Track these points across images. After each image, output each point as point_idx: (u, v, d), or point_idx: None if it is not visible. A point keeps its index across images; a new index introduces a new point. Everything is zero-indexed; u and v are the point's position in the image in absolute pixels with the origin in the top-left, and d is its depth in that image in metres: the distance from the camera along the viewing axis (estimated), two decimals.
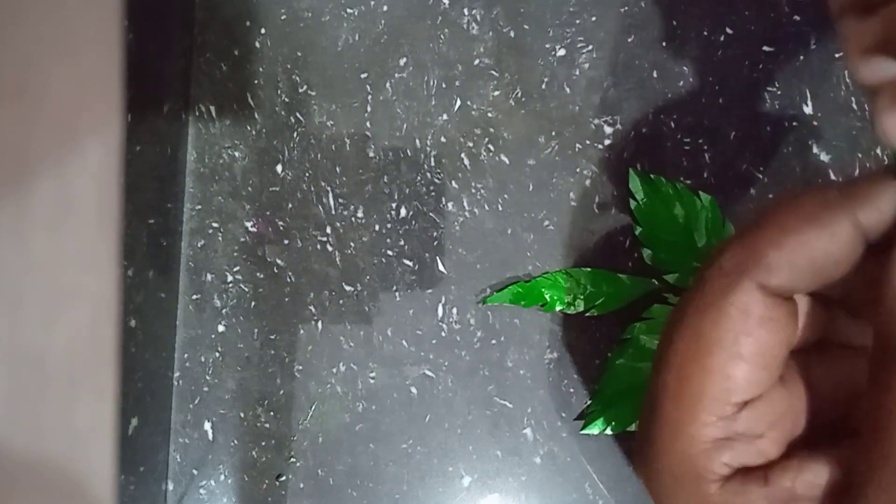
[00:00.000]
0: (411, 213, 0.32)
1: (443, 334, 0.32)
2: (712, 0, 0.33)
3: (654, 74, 0.33)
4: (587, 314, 0.31)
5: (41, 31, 0.16)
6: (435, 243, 0.32)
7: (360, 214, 0.32)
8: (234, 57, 0.33)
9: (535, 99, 0.33)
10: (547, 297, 0.31)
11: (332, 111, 0.33)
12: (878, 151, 0.32)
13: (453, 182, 0.33)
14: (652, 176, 0.32)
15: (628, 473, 0.32)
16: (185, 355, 0.32)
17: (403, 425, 0.32)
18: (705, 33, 0.33)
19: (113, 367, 0.16)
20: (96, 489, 0.16)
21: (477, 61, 0.33)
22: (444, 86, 0.33)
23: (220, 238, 0.33)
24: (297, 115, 0.33)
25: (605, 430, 0.31)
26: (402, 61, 0.33)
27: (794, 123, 0.32)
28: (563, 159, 0.32)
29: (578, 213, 0.32)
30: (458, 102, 0.33)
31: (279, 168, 0.33)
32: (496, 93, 0.33)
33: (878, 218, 0.19)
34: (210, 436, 0.32)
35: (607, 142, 0.32)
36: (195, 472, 0.32)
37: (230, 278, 0.32)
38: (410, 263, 0.32)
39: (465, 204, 0.32)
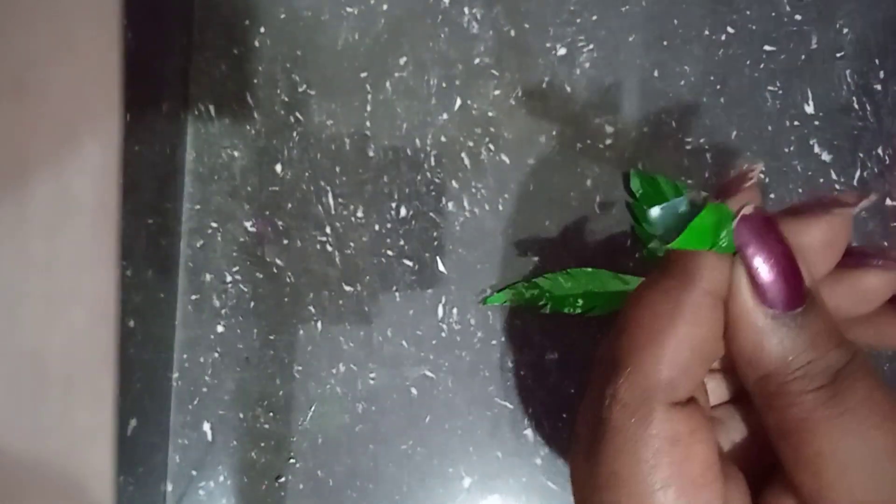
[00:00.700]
0: (411, 213, 0.32)
1: (443, 335, 0.32)
2: (710, 1, 0.33)
3: (655, 74, 0.33)
4: (588, 315, 0.31)
5: (40, 31, 0.16)
6: (435, 243, 0.32)
7: (359, 214, 0.32)
8: (234, 56, 0.33)
9: (535, 98, 0.33)
10: (547, 297, 0.31)
11: (331, 110, 0.33)
12: (880, 151, 0.32)
13: (453, 182, 0.32)
14: (653, 175, 0.32)
15: None
16: (184, 356, 0.32)
17: (403, 426, 0.32)
18: (706, 32, 0.33)
19: (111, 367, 0.16)
20: (95, 490, 0.16)
21: (477, 60, 0.33)
22: (444, 85, 0.33)
23: (219, 238, 0.32)
24: (297, 114, 0.33)
25: None
26: (402, 60, 0.33)
27: (796, 123, 0.32)
28: (563, 159, 0.32)
29: (579, 213, 0.32)
30: (459, 102, 0.33)
31: (278, 168, 0.33)
32: (496, 92, 0.33)
33: (721, 278, 0.19)
34: (209, 436, 0.32)
35: (608, 141, 0.32)
36: (194, 472, 0.32)
37: (229, 278, 0.32)
38: (410, 263, 0.32)
39: (466, 204, 0.32)
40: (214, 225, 0.32)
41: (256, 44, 0.33)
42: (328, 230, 0.32)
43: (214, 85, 0.33)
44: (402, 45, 0.33)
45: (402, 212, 0.32)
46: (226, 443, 0.32)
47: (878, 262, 0.21)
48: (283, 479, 0.32)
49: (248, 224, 0.32)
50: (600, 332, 0.32)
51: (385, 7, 0.33)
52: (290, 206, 0.32)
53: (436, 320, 0.32)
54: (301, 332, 0.32)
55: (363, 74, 0.33)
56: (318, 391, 0.32)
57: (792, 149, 0.32)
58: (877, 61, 0.32)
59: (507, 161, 0.32)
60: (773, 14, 0.33)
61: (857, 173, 0.32)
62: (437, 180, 0.32)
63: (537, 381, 0.32)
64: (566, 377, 0.32)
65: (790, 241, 0.20)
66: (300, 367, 0.32)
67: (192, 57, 0.33)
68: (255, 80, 0.33)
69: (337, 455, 0.32)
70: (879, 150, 0.32)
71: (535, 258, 0.32)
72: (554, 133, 0.32)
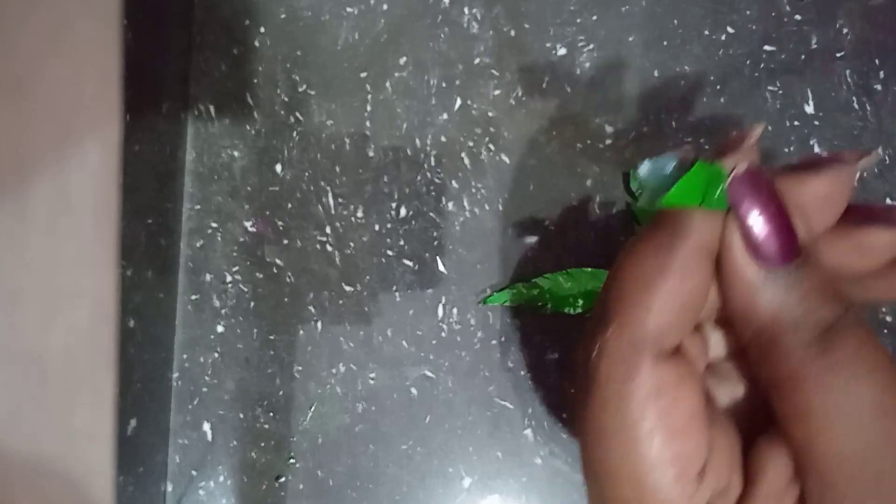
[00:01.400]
0: (411, 213, 0.32)
1: (443, 335, 0.32)
2: (711, 1, 0.33)
3: (655, 74, 0.33)
4: (588, 315, 0.31)
5: (40, 31, 0.16)
6: (435, 243, 0.32)
7: (359, 214, 0.32)
8: (234, 56, 0.33)
9: (535, 98, 0.33)
10: (547, 297, 0.31)
11: (331, 110, 0.33)
12: (880, 151, 0.32)
13: (453, 182, 0.32)
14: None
15: None
16: (184, 356, 0.32)
17: (403, 426, 0.32)
18: (706, 32, 0.33)
19: (111, 367, 0.16)
20: (95, 490, 0.16)
21: (477, 60, 0.33)
22: (444, 85, 0.33)
23: (219, 238, 0.32)
24: (297, 114, 0.33)
25: None
26: (402, 60, 0.33)
27: (796, 123, 0.32)
28: (563, 159, 0.32)
29: (578, 213, 0.32)
30: (459, 102, 0.33)
31: (278, 168, 0.33)
32: (497, 92, 0.33)
33: (711, 232, 0.19)
34: (209, 437, 0.32)
35: (608, 141, 0.32)
36: (194, 472, 0.32)
37: (229, 278, 0.32)
38: (410, 263, 0.32)
39: (466, 204, 0.32)
40: (214, 225, 0.32)
41: (256, 44, 0.33)
42: (328, 230, 0.32)
43: (214, 85, 0.33)
44: (402, 45, 0.33)
45: (402, 212, 0.32)
46: (226, 443, 0.32)
47: (884, 219, 0.21)
48: (283, 479, 0.32)
49: (248, 224, 0.32)
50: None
51: (385, 7, 0.33)
52: (290, 206, 0.32)
53: (436, 320, 0.32)
54: (301, 332, 0.32)
55: (363, 74, 0.33)
56: (318, 391, 0.32)
57: (792, 149, 0.32)
58: (877, 61, 0.32)
59: (507, 161, 0.32)
60: (773, 14, 0.33)
61: (858, 173, 0.32)
62: (437, 180, 0.32)
63: (537, 381, 0.32)
64: (566, 377, 0.32)
65: (788, 194, 0.20)
66: (300, 367, 0.32)
67: (192, 57, 0.33)
68: (255, 80, 0.33)
69: (337, 455, 0.32)
70: (879, 150, 0.32)
71: (536, 258, 0.32)
72: (554, 133, 0.32)
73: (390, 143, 0.33)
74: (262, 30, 0.33)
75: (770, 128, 0.32)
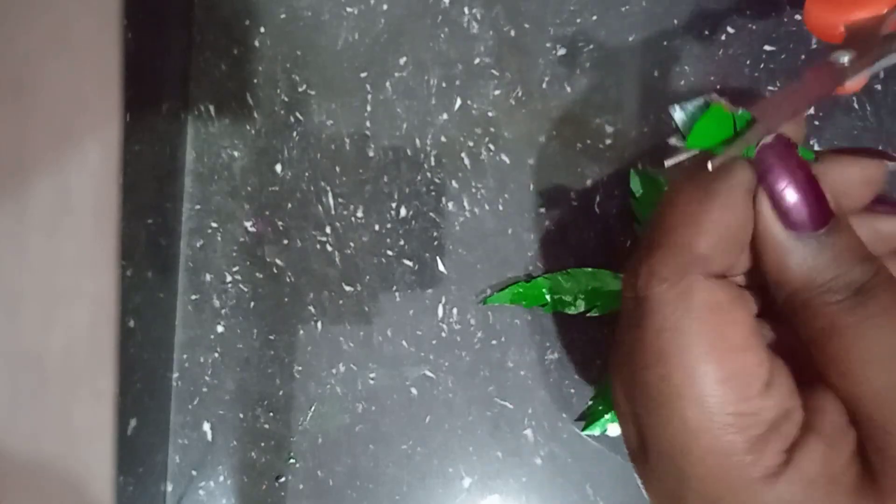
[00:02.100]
0: (411, 213, 0.32)
1: (443, 335, 0.32)
2: (711, 1, 0.33)
3: (655, 74, 0.33)
4: (587, 314, 0.31)
5: (40, 31, 0.16)
6: (435, 243, 0.32)
7: (359, 214, 0.32)
8: (234, 56, 0.33)
9: (535, 98, 0.33)
10: (547, 297, 0.31)
11: (331, 110, 0.33)
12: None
13: (453, 182, 0.32)
14: (653, 175, 0.32)
15: (629, 474, 0.32)
16: (185, 356, 0.32)
17: (403, 426, 0.32)
18: (706, 32, 0.33)
19: (112, 367, 0.16)
20: (95, 490, 0.16)
21: (477, 60, 0.33)
22: (444, 85, 0.33)
23: (219, 238, 0.32)
24: (297, 114, 0.33)
25: (606, 430, 0.31)
26: (402, 61, 0.33)
27: None
28: (563, 159, 0.32)
29: (578, 213, 0.32)
30: (459, 102, 0.33)
31: (278, 168, 0.33)
32: (497, 92, 0.33)
33: (750, 174, 0.20)
34: (209, 436, 0.32)
35: (608, 141, 0.32)
36: (194, 472, 0.32)
37: (229, 278, 0.32)
38: (410, 263, 0.32)
39: (466, 204, 0.32)
40: (214, 225, 0.33)
41: (256, 44, 0.33)
42: (328, 230, 0.32)
43: (214, 85, 0.33)
44: (402, 45, 0.33)
45: (402, 212, 0.32)
46: (226, 443, 0.32)
47: None
48: (283, 479, 0.32)
49: (248, 224, 0.32)
50: (600, 332, 0.32)
51: (385, 7, 0.33)
52: (290, 206, 0.32)
53: (436, 320, 0.32)
54: (301, 332, 0.32)
55: (363, 74, 0.33)
56: (318, 391, 0.32)
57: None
58: None
59: (507, 161, 0.32)
60: (773, 14, 0.33)
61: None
62: (437, 180, 0.32)
63: (537, 381, 0.32)
64: (566, 377, 0.32)
65: (830, 172, 0.20)
66: (300, 367, 0.32)
67: (192, 57, 0.33)
68: (255, 81, 0.33)
69: (337, 455, 0.32)
70: (880, 149, 0.32)
71: (536, 258, 0.32)
72: (554, 133, 0.32)
73: (390, 143, 0.33)
74: (263, 30, 0.33)
75: None
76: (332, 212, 0.32)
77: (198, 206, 0.33)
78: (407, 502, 0.32)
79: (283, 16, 0.33)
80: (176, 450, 0.32)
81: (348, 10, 0.33)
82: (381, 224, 0.32)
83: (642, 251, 0.20)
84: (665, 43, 0.33)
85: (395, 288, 0.32)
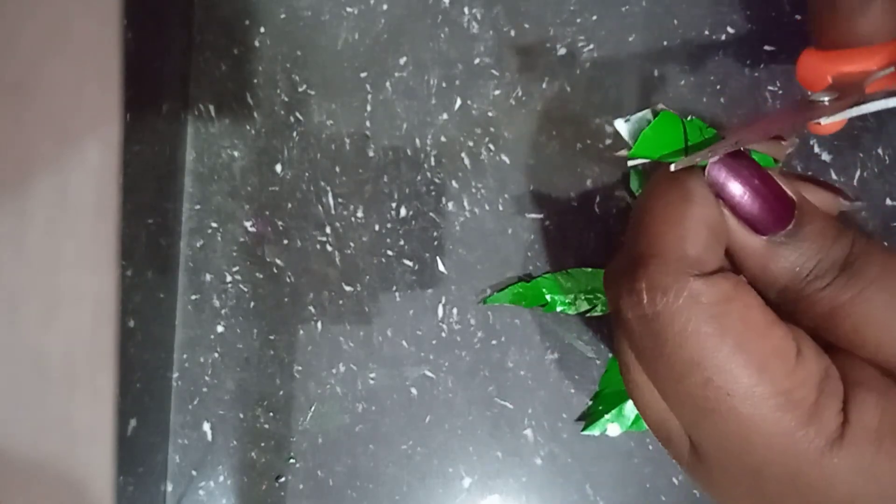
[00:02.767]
0: (411, 213, 0.32)
1: (443, 335, 0.32)
2: (713, 0, 0.33)
3: (655, 74, 0.33)
4: (588, 314, 0.31)
5: (40, 31, 0.16)
6: (435, 243, 0.32)
7: (359, 214, 0.32)
8: (234, 56, 0.33)
9: (535, 98, 0.33)
10: (547, 297, 0.31)
11: (331, 111, 0.33)
12: (880, 151, 0.32)
13: (453, 182, 0.32)
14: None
15: (629, 474, 0.32)
16: (184, 356, 0.32)
17: (403, 426, 0.32)
18: (706, 32, 0.33)
19: (112, 367, 0.16)
20: (95, 490, 0.16)
21: (477, 60, 0.33)
22: (444, 85, 0.33)
23: (219, 238, 0.32)
24: (297, 114, 0.33)
25: (606, 430, 0.31)
26: (402, 61, 0.33)
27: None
28: (563, 159, 0.32)
29: (578, 213, 0.32)
30: (459, 102, 0.33)
31: (278, 168, 0.33)
32: (497, 92, 0.33)
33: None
34: (209, 436, 0.32)
35: (608, 141, 0.32)
36: (194, 472, 0.32)
37: (229, 278, 0.32)
38: (410, 263, 0.32)
39: (466, 204, 0.32)
40: (214, 225, 0.33)
41: (256, 44, 0.33)
42: (328, 230, 0.32)
43: (214, 85, 0.33)
44: (402, 45, 0.33)
45: (402, 212, 0.32)
46: (226, 443, 0.32)
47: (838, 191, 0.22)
48: (283, 479, 0.32)
49: (248, 224, 0.33)
50: (600, 332, 0.32)
51: (385, 7, 0.33)
52: (290, 206, 0.32)
53: (436, 320, 0.32)
54: (301, 332, 0.32)
55: (363, 74, 0.33)
56: (318, 391, 0.32)
57: (792, 149, 0.32)
58: None
59: (507, 161, 0.32)
60: (774, 14, 0.33)
61: (857, 173, 0.32)
62: (437, 180, 0.32)
63: (537, 381, 0.32)
64: (566, 377, 0.32)
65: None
66: (300, 367, 0.32)
67: (192, 57, 0.33)
68: (255, 80, 0.33)
69: (337, 455, 0.32)
70: (879, 150, 0.32)
71: (535, 258, 0.32)
72: (554, 133, 0.33)
73: (390, 143, 0.33)
74: (262, 30, 0.33)
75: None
76: (332, 212, 0.32)
77: (198, 206, 0.33)
78: (407, 502, 0.32)
79: (283, 16, 0.33)
80: (176, 450, 0.32)
81: (348, 10, 0.33)
82: (381, 224, 0.32)
83: (632, 265, 0.20)
84: (665, 43, 0.33)
85: (395, 288, 0.32)
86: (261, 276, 0.32)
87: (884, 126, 0.32)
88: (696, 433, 0.20)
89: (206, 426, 0.32)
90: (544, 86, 0.33)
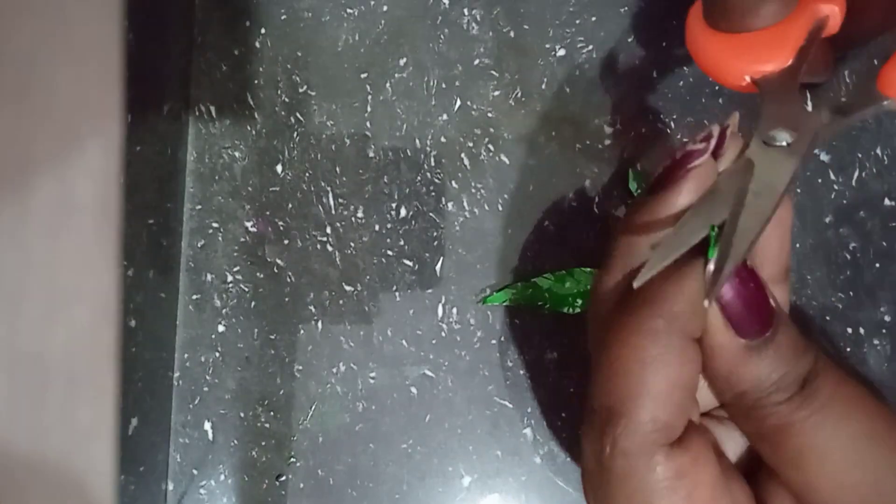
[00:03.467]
0: (411, 213, 0.32)
1: (443, 334, 0.32)
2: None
3: (654, 74, 0.33)
4: (587, 314, 0.31)
5: (41, 32, 0.16)
6: (435, 243, 0.32)
7: (360, 214, 0.32)
8: (234, 57, 0.33)
9: (535, 99, 0.33)
10: (547, 297, 0.31)
11: (332, 111, 0.33)
12: (878, 152, 0.32)
13: (453, 182, 0.33)
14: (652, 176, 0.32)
15: None
16: (185, 355, 0.32)
17: (403, 425, 0.32)
18: None
19: (113, 366, 0.16)
20: (96, 489, 0.16)
21: (477, 61, 0.33)
22: (444, 86, 0.33)
23: (220, 238, 0.33)
24: (297, 115, 0.33)
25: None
26: (402, 61, 0.33)
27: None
28: (563, 159, 0.33)
29: (578, 213, 0.32)
30: (458, 102, 0.33)
31: (279, 168, 0.33)
32: (496, 93, 0.33)
33: (700, 322, 0.20)
34: (210, 436, 0.32)
35: (607, 142, 0.32)
36: (195, 471, 0.32)
37: (230, 278, 0.32)
38: (410, 263, 0.32)
39: (465, 204, 0.32)
40: (215, 225, 0.33)
41: (257, 45, 0.33)
42: (328, 230, 0.32)
43: (215, 86, 0.33)
44: (402, 46, 0.33)
45: (402, 212, 0.32)
46: (227, 442, 0.32)
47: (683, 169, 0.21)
48: (283, 478, 0.32)
49: (248, 224, 0.33)
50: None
51: (385, 8, 0.33)
52: (290, 206, 0.33)
53: (436, 320, 0.32)
54: (301, 331, 0.32)
55: (363, 75, 0.33)
56: (318, 390, 0.32)
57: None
58: (875, 62, 0.33)
59: (507, 161, 0.33)
60: None
61: (856, 173, 0.32)
62: (436, 180, 0.33)
63: (536, 380, 0.32)
64: (565, 377, 0.32)
65: (652, 220, 0.21)
66: (301, 367, 0.32)
67: (193, 58, 0.33)
68: (256, 81, 0.33)
69: (337, 454, 0.32)
70: (878, 150, 0.32)
71: (535, 258, 0.32)
72: (553, 133, 0.33)
73: (390, 143, 0.33)
74: (263, 31, 0.33)
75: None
76: (333, 212, 0.32)
77: (199, 207, 0.33)
78: (407, 501, 0.32)
79: (283, 17, 0.33)
80: (177, 449, 0.32)
81: (349, 11, 0.33)
82: (381, 224, 0.32)
83: (602, 413, 0.20)
84: (664, 43, 0.33)
85: (395, 288, 0.32)
86: (261, 275, 0.32)
87: (882, 126, 0.32)
88: None
89: (207, 425, 0.32)
90: (543, 86, 0.33)
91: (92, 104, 0.16)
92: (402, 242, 0.32)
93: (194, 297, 0.32)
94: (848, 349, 0.32)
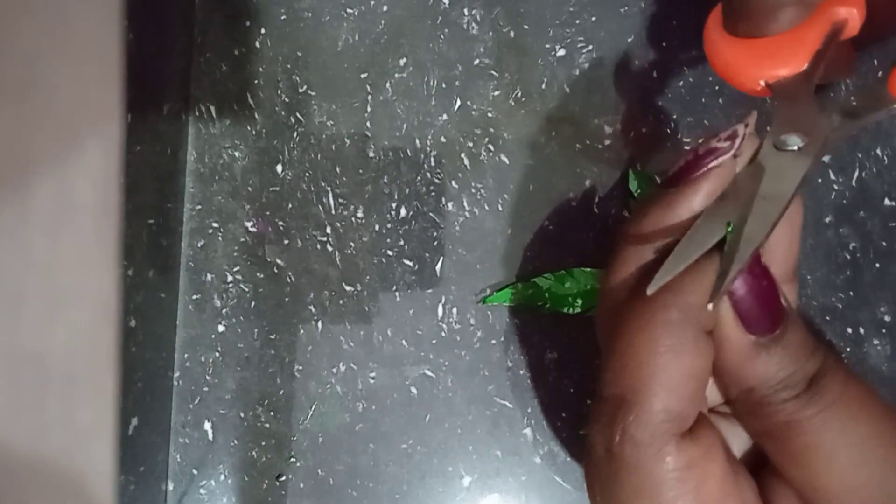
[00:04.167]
0: (411, 213, 0.32)
1: (443, 334, 0.32)
2: (712, 0, 0.33)
3: (654, 74, 0.33)
4: (587, 314, 0.31)
5: (41, 32, 0.16)
6: (435, 243, 0.32)
7: (360, 214, 0.32)
8: (234, 57, 0.33)
9: (535, 99, 0.33)
10: (547, 297, 0.31)
11: (332, 111, 0.33)
12: (878, 152, 0.32)
13: (453, 182, 0.33)
14: (652, 176, 0.32)
15: None
16: (185, 355, 0.32)
17: (403, 425, 0.32)
18: None
19: (113, 366, 0.16)
20: (96, 489, 0.16)
21: (477, 61, 0.33)
22: (444, 86, 0.33)
23: (220, 238, 0.33)
24: (297, 115, 0.33)
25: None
26: (402, 61, 0.33)
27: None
28: (563, 159, 0.33)
29: (578, 213, 0.32)
30: (458, 102, 0.33)
31: (279, 168, 0.33)
32: (496, 93, 0.33)
33: (713, 315, 0.20)
34: (210, 436, 0.32)
35: (607, 142, 0.32)
36: (195, 471, 0.32)
37: (230, 278, 0.32)
38: (410, 263, 0.32)
39: (465, 204, 0.32)
40: (215, 225, 0.33)
41: (257, 45, 0.33)
42: (328, 230, 0.32)
43: (215, 86, 0.33)
44: (402, 46, 0.33)
45: (402, 212, 0.32)
46: (227, 442, 0.32)
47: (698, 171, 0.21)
48: (283, 478, 0.32)
49: (248, 224, 0.33)
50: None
51: (385, 8, 0.33)
52: (290, 206, 0.33)
53: (436, 320, 0.32)
54: (301, 331, 0.32)
55: (363, 75, 0.33)
56: (318, 390, 0.32)
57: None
58: (875, 62, 0.33)
59: (507, 161, 0.33)
60: None
61: (856, 173, 0.32)
62: (436, 180, 0.33)
63: (536, 380, 0.32)
64: (565, 376, 0.32)
65: (670, 219, 0.21)
66: (301, 367, 0.32)
67: (194, 58, 0.33)
68: (256, 81, 0.33)
69: (337, 454, 0.32)
70: (878, 150, 0.32)
71: (535, 258, 0.32)
72: (553, 133, 0.33)
73: (390, 143, 0.33)
74: (263, 31, 0.33)
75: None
76: (333, 212, 0.33)
77: (199, 207, 0.33)
78: (407, 501, 0.32)
79: (283, 17, 0.33)
80: (177, 449, 0.32)
81: (349, 11, 0.33)
82: (381, 224, 0.32)
83: (613, 401, 0.20)
84: (664, 44, 0.33)
85: (395, 288, 0.32)
86: (261, 275, 0.32)
87: (882, 126, 0.32)
88: None
89: (207, 425, 0.32)
90: (543, 86, 0.33)
91: (92, 104, 0.16)
92: (402, 242, 0.32)
93: (194, 297, 0.32)
94: (848, 349, 0.32)
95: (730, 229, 0.20)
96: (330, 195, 0.33)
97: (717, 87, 0.33)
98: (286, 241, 0.33)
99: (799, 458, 0.19)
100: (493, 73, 0.33)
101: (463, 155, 0.33)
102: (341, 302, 0.32)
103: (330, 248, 0.32)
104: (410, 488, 0.32)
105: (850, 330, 0.32)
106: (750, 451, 0.23)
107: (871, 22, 0.22)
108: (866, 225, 0.32)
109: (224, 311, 0.32)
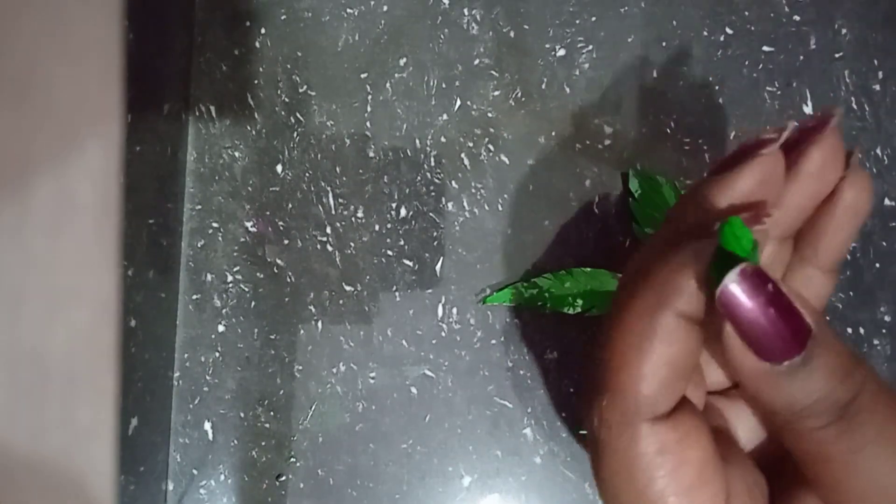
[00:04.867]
0: (411, 213, 0.32)
1: (443, 334, 0.32)
2: (712, 0, 0.33)
3: (654, 74, 0.33)
4: (587, 314, 0.31)
5: (41, 32, 0.16)
6: (435, 243, 0.32)
7: (360, 214, 0.32)
8: (234, 57, 0.33)
9: (535, 99, 0.33)
10: (547, 297, 0.31)
11: (332, 111, 0.33)
12: (878, 152, 0.32)
13: (453, 182, 0.33)
14: (652, 176, 0.32)
15: None
16: (185, 355, 0.32)
17: (403, 425, 0.32)
18: (705, 33, 0.33)
19: (113, 366, 0.16)
20: (96, 489, 0.16)
21: (477, 61, 0.33)
22: (444, 86, 0.33)
23: (220, 238, 0.33)
24: (297, 115, 0.33)
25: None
26: (402, 61, 0.33)
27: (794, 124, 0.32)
28: (563, 159, 0.33)
29: (578, 213, 0.32)
30: (458, 102, 0.33)
31: (279, 168, 0.33)
32: (496, 93, 0.33)
33: (695, 302, 0.18)
34: (210, 436, 0.32)
35: (607, 142, 0.32)
36: (195, 471, 0.32)
37: (230, 278, 0.32)
38: (410, 263, 0.32)
39: (465, 204, 0.32)
40: (215, 225, 0.33)
41: (257, 45, 0.33)
42: (328, 230, 0.32)
43: (215, 86, 0.33)
44: (402, 46, 0.33)
45: (402, 212, 0.32)
46: (227, 442, 0.32)
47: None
48: (283, 478, 0.32)
49: (248, 224, 0.33)
50: (599, 332, 0.32)
51: (385, 8, 0.33)
52: (290, 206, 0.33)
53: (436, 320, 0.32)
54: (301, 331, 0.32)
55: (363, 75, 0.33)
56: (318, 390, 0.32)
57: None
58: (875, 62, 0.33)
59: (507, 161, 0.33)
60: (772, 15, 0.33)
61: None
62: (436, 181, 0.33)
63: (536, 380, 0.32)
64: (565, 376, 0.32)
65: (716, 199, 0.19)
66: (301, 367, 0.32)
67: (194, 58, 0.33)
68: (256, 81, 0.33)
69: (337, 454, 0.32)
70: (878, 151, 0.32)
71: (535, 258, 0.32)
72: (553, 133, 0.33)
73: (390, 143, 0.33)
74: (263, 31, 0.33)
75: (769, 128, 0.32)
76: (333, 212, 0.33)
77: (199, 207, 0.33)
78: (407, 501, 0.32)
79: (283, 17, 0.33)
80: (177, 449, 0.32)
81: (349, 11, 0.33)
82: (381, 224, 0.32)
83: (592, 385, 0.20)
84: (664, 44, 0.33)
85: (395, 288, 0.32)
86: (261, 275, 0.32)
87: (882, 126, 0.32)
88: None
89: (207, 425, 0.32)
90: (543, 86, 0.33)
91: (92, 104, 0.16)
92: (402, 242, 0.32)
93: (194, 297, 0.32)
94: None
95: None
96: (330, 195, 0.33)
97: (717, 87, 0.33)
98: (286, 241, 0.33)
99: (831, 487, 0.18)
100: (493, 73, 0.33)
101: (463, 155, 0.33)
102: (341, 302, 0.32)
103: (330, 248, 0.32)
104: (410, 488, 0.32)
105: (850, 330, 0.32)
106: (766, 440, 0.22)
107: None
108: (866, 225, 0.32)
109: (224, 311, 0.32)
